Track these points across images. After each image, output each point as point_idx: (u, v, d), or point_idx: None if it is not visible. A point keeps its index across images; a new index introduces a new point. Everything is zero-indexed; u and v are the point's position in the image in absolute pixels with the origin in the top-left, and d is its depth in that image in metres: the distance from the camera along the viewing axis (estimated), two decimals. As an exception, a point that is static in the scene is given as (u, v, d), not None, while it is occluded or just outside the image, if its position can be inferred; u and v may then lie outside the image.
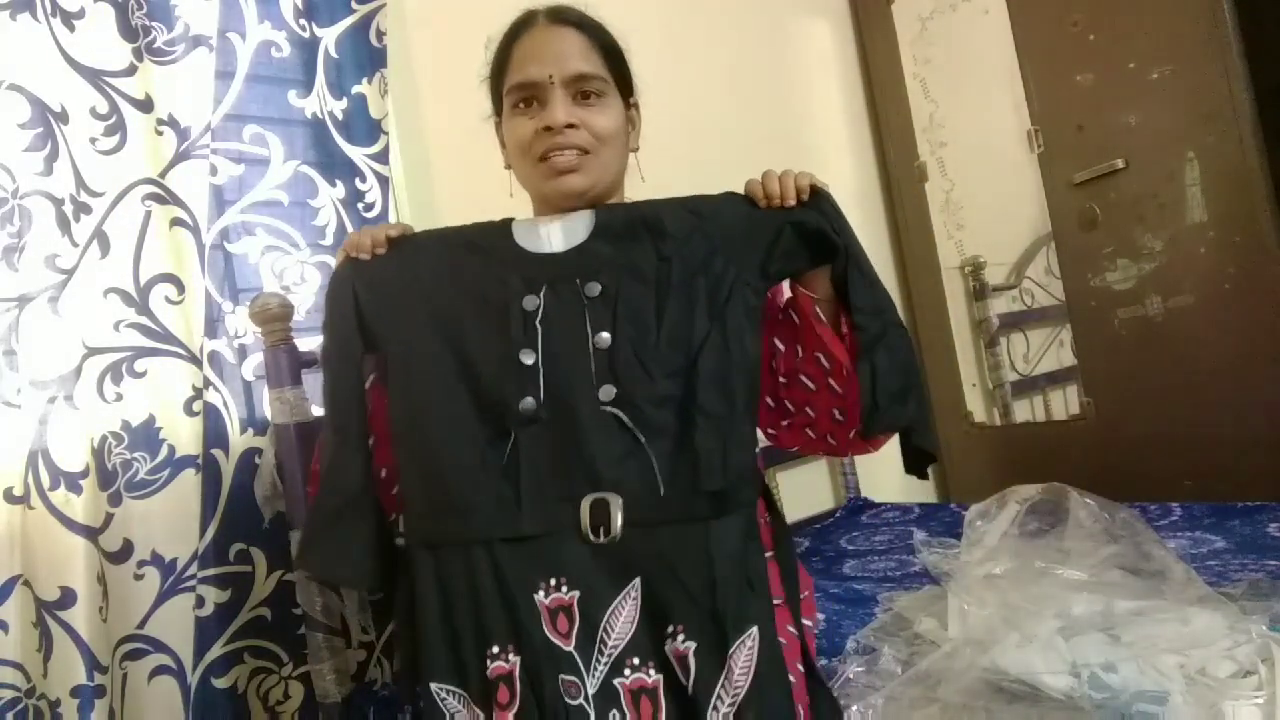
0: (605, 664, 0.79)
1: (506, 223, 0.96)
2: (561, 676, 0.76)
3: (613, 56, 1.01)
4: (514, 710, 0.75)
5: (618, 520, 0.83)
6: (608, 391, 0.85)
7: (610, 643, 0.79)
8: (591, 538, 0.83)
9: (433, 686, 0.80)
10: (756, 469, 0.92)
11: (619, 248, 0.92)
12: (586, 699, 0.76)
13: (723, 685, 0.77)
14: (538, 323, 0.88)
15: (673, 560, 0.83)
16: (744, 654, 0.78)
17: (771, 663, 0.80)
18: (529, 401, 0.85)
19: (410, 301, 0.92)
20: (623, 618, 0.82)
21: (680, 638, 0.79)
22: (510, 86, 0.98)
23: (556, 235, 0.94)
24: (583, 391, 0.86)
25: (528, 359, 0.86)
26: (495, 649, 0.77)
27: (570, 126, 0.94)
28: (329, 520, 0.92)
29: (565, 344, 0.88)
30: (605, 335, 0.87)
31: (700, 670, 0.77)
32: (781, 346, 0.98)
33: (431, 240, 0.97)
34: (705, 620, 0.80)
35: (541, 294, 0.90)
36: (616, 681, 0.77)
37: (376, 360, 0.96)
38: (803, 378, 0.96)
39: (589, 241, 0.93)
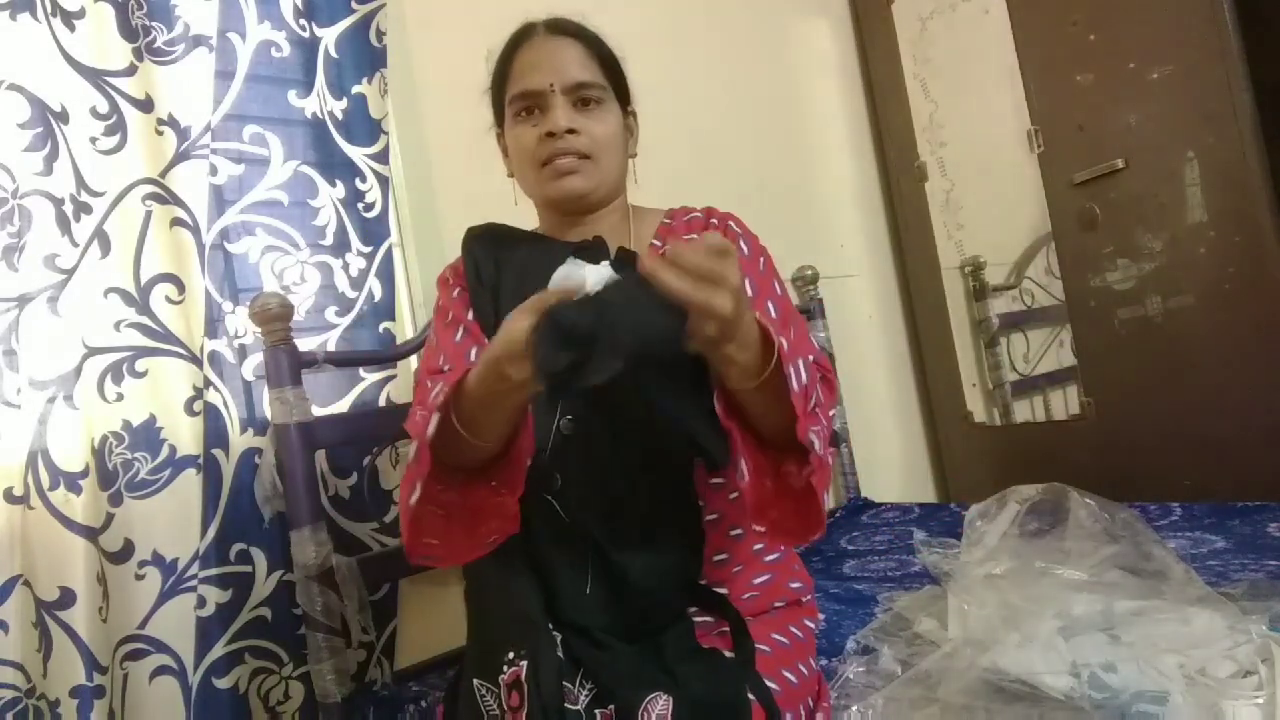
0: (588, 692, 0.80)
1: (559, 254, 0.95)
2: (565, 684, 0.77)
3: (610, 66, 1.03)
4: (524, 713, 0.76)
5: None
6: (554, 481, 0.86)
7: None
8: None
9: (475, 682, 0.82)
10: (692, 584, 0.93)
11: None
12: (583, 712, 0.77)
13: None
14: None
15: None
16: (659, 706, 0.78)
17: None
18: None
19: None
20: None
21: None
22: (512, 96, 1.01)
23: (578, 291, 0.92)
24: (535, 466, 0.86)
25: None
26: (511, 655, 0.79)
27: (571, 132, 0.97)
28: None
29: (537, 411, 0.88)
30: (570, 420, 0.88)
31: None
32: None
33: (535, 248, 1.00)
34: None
35: None
36: (599, 712, 0.78)
37: None
38: None
39: None
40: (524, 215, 1.10)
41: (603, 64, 1.02)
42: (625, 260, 0.94)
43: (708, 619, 0.94)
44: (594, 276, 0.90)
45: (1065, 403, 2.28)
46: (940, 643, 1.02)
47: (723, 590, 0.96)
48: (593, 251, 0.97)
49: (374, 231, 1.45)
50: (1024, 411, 2.36)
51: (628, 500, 0.88)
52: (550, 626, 0.82)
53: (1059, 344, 2.23)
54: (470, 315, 1.00)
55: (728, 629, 0.91)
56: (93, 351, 1.18)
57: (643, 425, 0.89)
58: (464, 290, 1.03)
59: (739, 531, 1.01)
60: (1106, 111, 1.93)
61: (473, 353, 0.95)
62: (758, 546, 1.03)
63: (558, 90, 0.98)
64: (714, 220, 1.06)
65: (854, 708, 0.92)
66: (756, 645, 0.88)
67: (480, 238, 1.06)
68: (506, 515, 0.81)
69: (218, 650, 1.21)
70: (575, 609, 0.85)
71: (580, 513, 0.87)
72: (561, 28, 1.02)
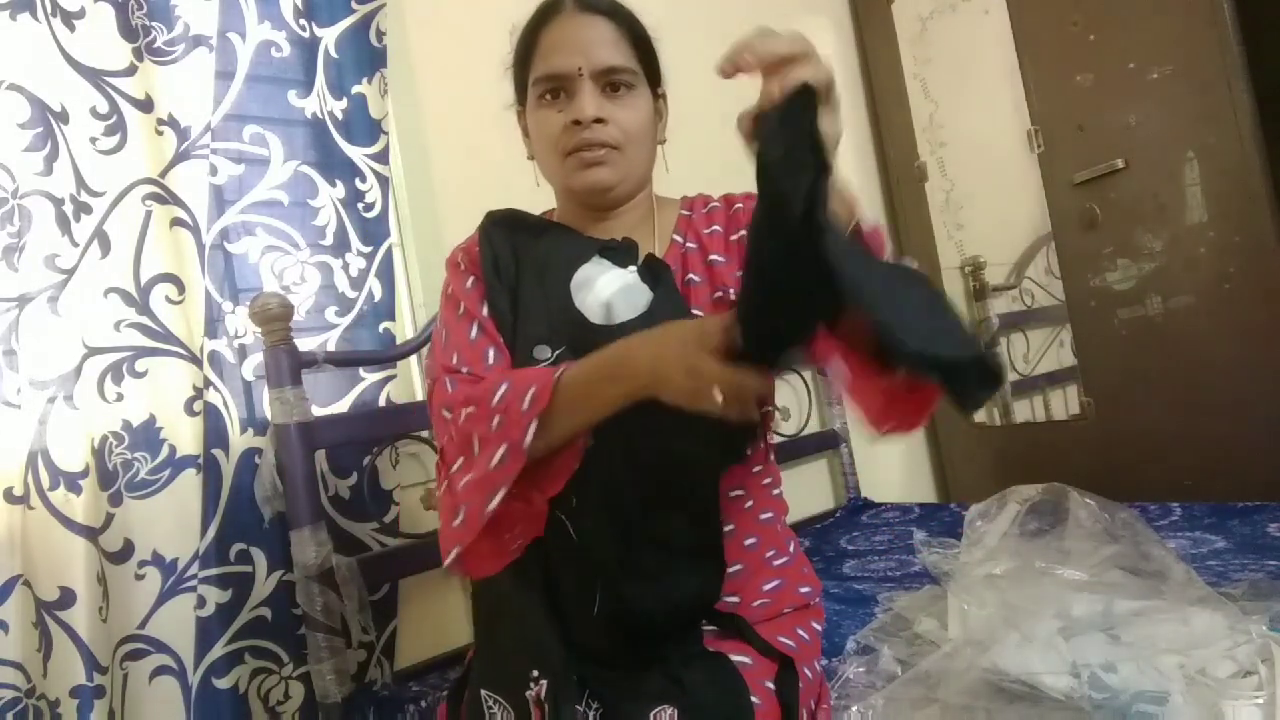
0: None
1: (576, 258, 0.94)
2: (576, 707, 0.77)
3: (643, 46, 0.98)
4: None
5: None
6: (569, 500, 0.83)
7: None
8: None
9: (482, 693, 0.81)
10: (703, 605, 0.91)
11: None
12: None
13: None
14: None
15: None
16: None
17: None
18: None
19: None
20: None
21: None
22: (537, 77, 0.94)
23: (599, 298, 0.89)
24: None
25: None
26: (535, 673, 0.78)
27: (599, 121, 0.92)
28: None
29: None
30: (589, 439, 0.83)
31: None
32: None
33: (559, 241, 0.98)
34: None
35: (555, 355, 0.87)
36: None
37: None
38: None
39: (633, 321, 0.87)
40: (543, 198, 1.06)
41: (635, 45, 0.96)
42: (653, 267, 0.92)
43: (715, 628, 0.93)
44: (617, 282, 0.89)
45: (1065, 403, 2.28)
46: (940, 643, 1.02)
47: (734, 599, 0.94)
48: (620, 253, 0.94)
49: (374, 231, 1.45)
50: (1024, 411, 2.36)
51: (642, 528, 0.85)
52: (564, 649, 0.81)
53: (1059, 344, 2.23)
54: (485, 310, 0.95)
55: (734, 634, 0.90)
56: (93, 351, 1.18)
57: (661, 451, 0.85)
58: (479, 280, 0.97)
59: (753, 541, 0.99)
60: (1106, 111, 1.93)
61: (490, 353, 0.91)
62: (769, 553, 1.03)
63: (586, 74, 0.91)
64: (739, 205, 1.01)
65: (854, 708, 0.92)
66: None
67: (500, 224, 1.01)
68: (532, 517, 0.79)
69: (218, 650, 1.21)
70: (582, 631, 0.83)
71: (593, 536, 0.84)
72: (592, 4, 0.95)
